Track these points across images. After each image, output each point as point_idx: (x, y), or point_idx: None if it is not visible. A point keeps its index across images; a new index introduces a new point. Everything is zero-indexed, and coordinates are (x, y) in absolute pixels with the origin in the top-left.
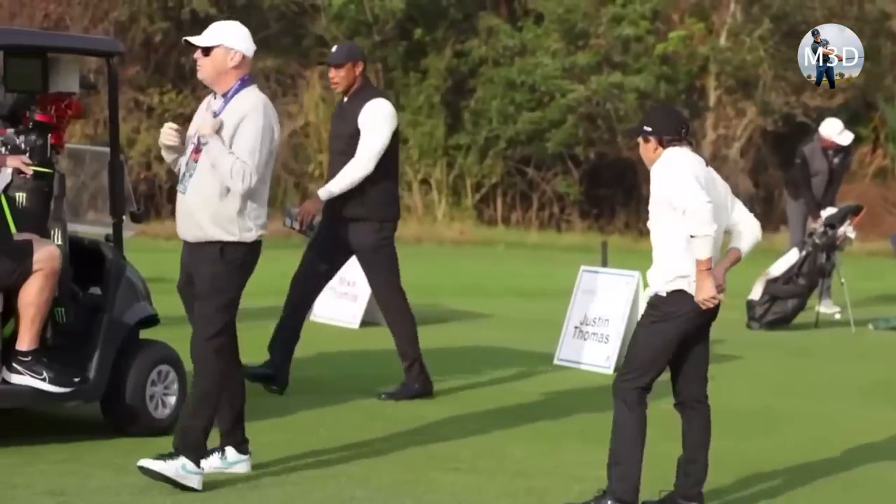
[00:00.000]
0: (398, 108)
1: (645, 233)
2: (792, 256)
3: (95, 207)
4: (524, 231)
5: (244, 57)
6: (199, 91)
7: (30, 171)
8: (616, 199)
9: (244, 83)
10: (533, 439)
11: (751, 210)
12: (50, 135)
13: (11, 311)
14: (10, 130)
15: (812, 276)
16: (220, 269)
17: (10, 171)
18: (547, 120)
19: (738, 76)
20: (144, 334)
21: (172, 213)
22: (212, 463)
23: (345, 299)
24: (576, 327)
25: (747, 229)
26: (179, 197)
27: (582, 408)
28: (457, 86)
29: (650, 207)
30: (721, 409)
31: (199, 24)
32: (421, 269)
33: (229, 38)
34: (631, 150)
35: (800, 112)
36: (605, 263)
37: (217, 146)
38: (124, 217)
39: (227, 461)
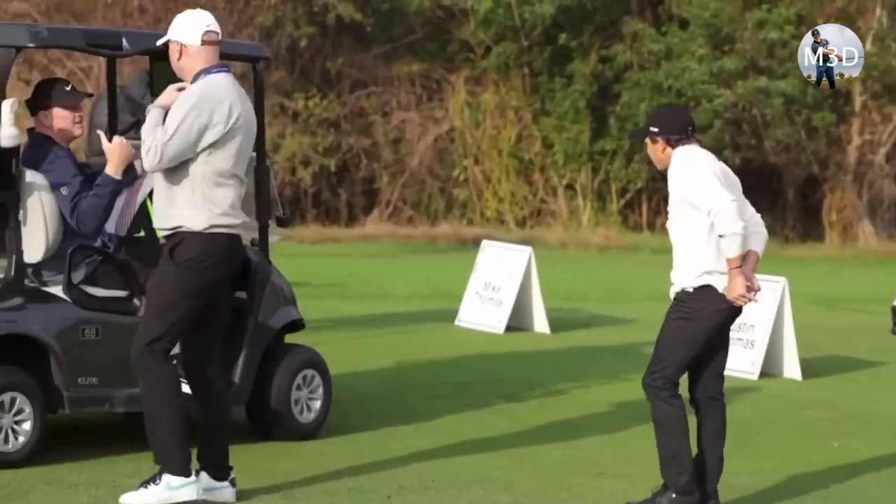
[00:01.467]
0: (544, 113)
1: (791, 239)
2: None
3: None
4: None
5: (184, 47)
6: (345, 96)
7: None
8: (762, 205)
9: (208, 73)
10: None
11: None
12: None
13: None
14: None
15: None
16: (165, 266)
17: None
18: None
19: (883, 81)
20: (290, 339)
21: (317, 218)
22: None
23: (490, 304)
24: None
25: (757, 228)
26: None
27: (728, 413)
28: (602, 91)
29: (669, 207)
30: (864, 414)
31: (345, 30)
32: (565, 273)
33: (174, 30)
34: (776, 156)
35: None
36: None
37: (148, 123)
38: (270, 222)
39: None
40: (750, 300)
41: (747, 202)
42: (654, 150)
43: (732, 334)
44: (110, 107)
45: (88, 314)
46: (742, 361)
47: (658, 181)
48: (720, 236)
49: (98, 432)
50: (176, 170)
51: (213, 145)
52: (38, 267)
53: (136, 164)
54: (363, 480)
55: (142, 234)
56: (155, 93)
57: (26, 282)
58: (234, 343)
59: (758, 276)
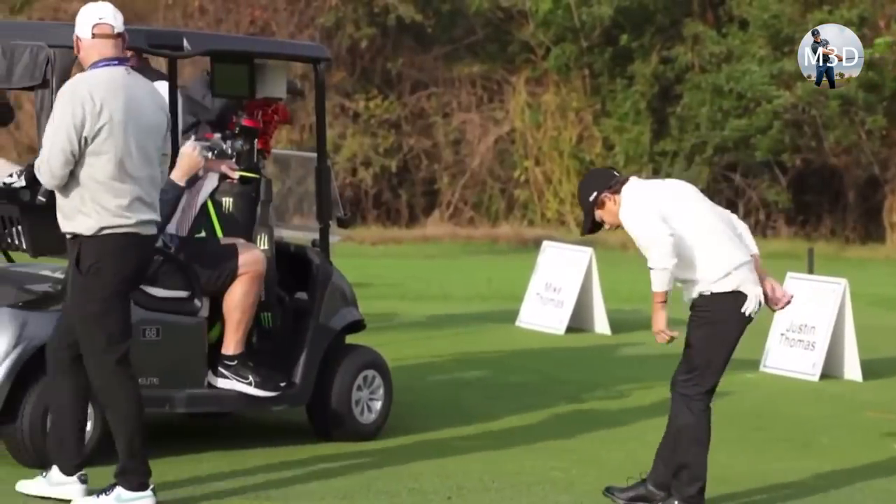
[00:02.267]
0: (604, 114)
1: (851, 240)
2: None
3: (301, 212)
4: None
5: (79, 40)
6: (405, 97)
7: (236, 175)
8: (822, 206)
9: (94, 67)
10: (737, 445)
11: None
12: (256, 140)
13: (217, 316)
14: (217, 136)
15: None
16: (75, 277)
17: (216, 176)
18: (754, 127)
19: None
20: (351, 339)
21: (378, 219)
22: (38, 486)
23: (550, 305)
24: (782, 334)
25: (744, 230)
26: None
27: (787, 415)
28: (663, 92)
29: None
30: None
31: (405, 31)
32: (626, 274)
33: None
34: (837, 157)
35: None
36: (811, 270)
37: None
38: (331, 222)
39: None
40: (666, 340)
41: (730, 214)
42: (609, 209)
43: (792, 335)
44: (172, 107)
45: (149, 314)
46: (803, 363)
47: (720, 182)
48: (649, 268)
49: (155, 433)
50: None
51: (93, 144)
52: None
53: None
54: (423, 481)
55: (202, 234)
56: (216, 93)
57: None
58: (296, 344)
59: (818, 277)
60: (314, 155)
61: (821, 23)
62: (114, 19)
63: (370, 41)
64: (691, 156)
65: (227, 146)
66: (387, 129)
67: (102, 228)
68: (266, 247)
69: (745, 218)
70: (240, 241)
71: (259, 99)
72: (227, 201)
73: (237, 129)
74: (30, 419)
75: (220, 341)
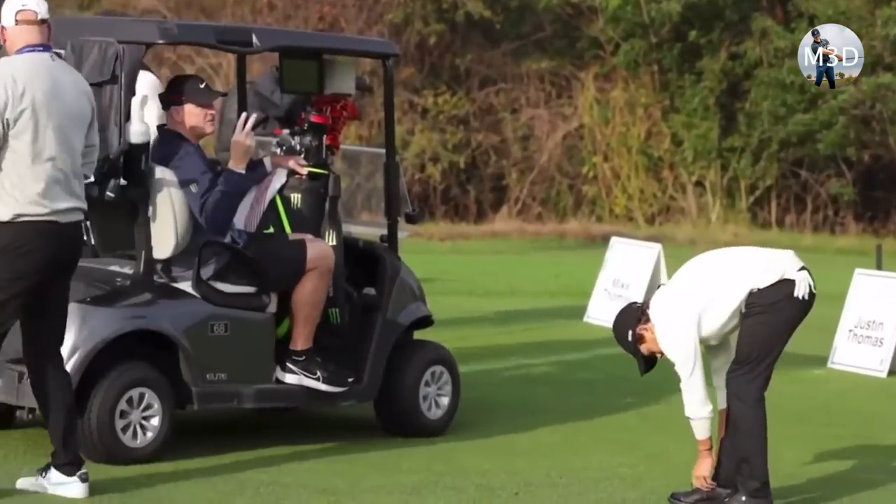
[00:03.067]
0: (673, 110)
1: None
2: None
3: (370, 208)
4: (798, 234)
5: (4, 29)
6: (474, 93)
7: (305, 171)
8: (891, 202)
9: (19, 53)
10: (805, 443)
11: None
12: (325, 136)
13: (285, 312)
14: (286, 131)
15: None
16: None
17: (285, 172)
18: (818, 122)
19: None
20: (419, 335)
21: (446, 215)
22: (33, 481)
23: (619, 301)
24: (850, 330)
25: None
26: None
27: (856, 412)
28: (731, 88)
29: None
30: None
31: (474, 27)
32: None
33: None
34: None
35: None
36: (879, 266)
37: None
38: (399, 218)
39: (51, 482)
40: (706, 488)
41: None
42: (650, 339)
43: (860, 332)
44: (240, 103)
45: (217, 310)
46: (870, 359)
47: (788, 178)
48: (686, 416)
49: (218, 429)
50: None
51: (14, 128)
52: (167, 263)
53: (266, 161)
54: (491, 477)
55: (271, 230)
56: (284, 89)
57: (156, 278)
58: (364, 339)
59: (887, 273)
60: (383, 151)
61: (890, 18)
62: (37, 6)
63: (439, 37)
64: (759, 151)
65: (295, 142)
66: (455, 125)
67: (18, 215)
68: (334, 242)
69: (813, 214)
70: (308, 237)
71: (328, 95)
72: (296, 197)
73: (306, 125)
74: (97, 414)
75: (288, 337)
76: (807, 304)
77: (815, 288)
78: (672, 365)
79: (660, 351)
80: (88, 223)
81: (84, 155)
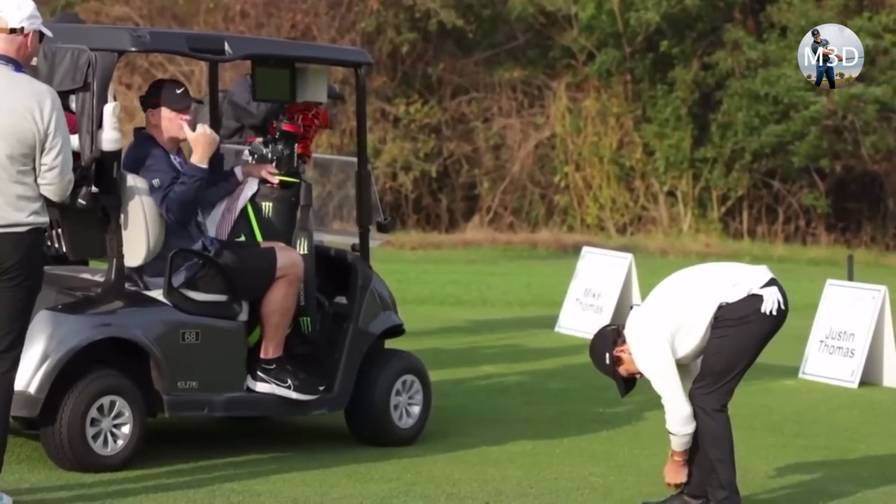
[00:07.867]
0: (645, 120)
1: (891, 247)
2: None
3: (341, 217)
4: (770, 244)
5: None
6: (446, 102)
7: (276, 180)
8: (862, 213)
9: None
10: (776, 453)
11: None
12: (297, 144)
13: (256, 320)
14: (258, 140)
15: None
16: None
17: (256, 180)
18: (791, 132)
19: None
20: (390, 344)
21: (418, 224)
22: None
23: (590, 311)
24: (821, 341)
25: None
26: None
27: (826, 423)
28: (703, 98)
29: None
30: None
31: (446, 36)
32: None
33: None
34: (877, 164)
35: None
36: (851, 277)
37: None
38: (371, 227)
39: None
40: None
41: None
42: (628, 361)
43: (832, 342)
44: (212, 111)
45: (189, 318)
46: (842, 370)
47: (760, 189)
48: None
49: (194, 437)
50: None
51: None
52: (138, 270)
53: (237, 170)
54: (461, 486)
55: (242, 238)
56: (256, 97)
57: (127, 285)
58: (335, 348)
59: (858, 284)
60: (354, 159)
61: (860, 28)
62: (9, 14)
63: (411, 46)
64: (731, 162)
65: (266, 151)
66: (427, 134)
67: None
68: (306, 251)
69: (785, 224)
70: (279, 245)
71: (300, 103)
72: (267, 206)
73: (277, 133)
74: (68, 422)
75: (259, 345)
76: (776, 320)
77: (785, 304)
78: (648, 381)
79: (638, 371)
80: (60, 230)
81: (40, 176)
